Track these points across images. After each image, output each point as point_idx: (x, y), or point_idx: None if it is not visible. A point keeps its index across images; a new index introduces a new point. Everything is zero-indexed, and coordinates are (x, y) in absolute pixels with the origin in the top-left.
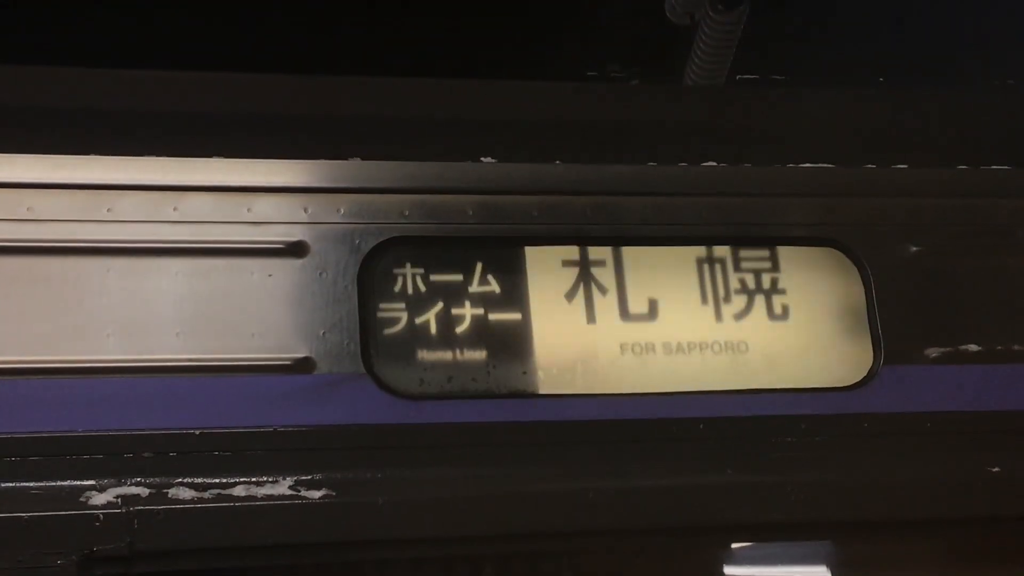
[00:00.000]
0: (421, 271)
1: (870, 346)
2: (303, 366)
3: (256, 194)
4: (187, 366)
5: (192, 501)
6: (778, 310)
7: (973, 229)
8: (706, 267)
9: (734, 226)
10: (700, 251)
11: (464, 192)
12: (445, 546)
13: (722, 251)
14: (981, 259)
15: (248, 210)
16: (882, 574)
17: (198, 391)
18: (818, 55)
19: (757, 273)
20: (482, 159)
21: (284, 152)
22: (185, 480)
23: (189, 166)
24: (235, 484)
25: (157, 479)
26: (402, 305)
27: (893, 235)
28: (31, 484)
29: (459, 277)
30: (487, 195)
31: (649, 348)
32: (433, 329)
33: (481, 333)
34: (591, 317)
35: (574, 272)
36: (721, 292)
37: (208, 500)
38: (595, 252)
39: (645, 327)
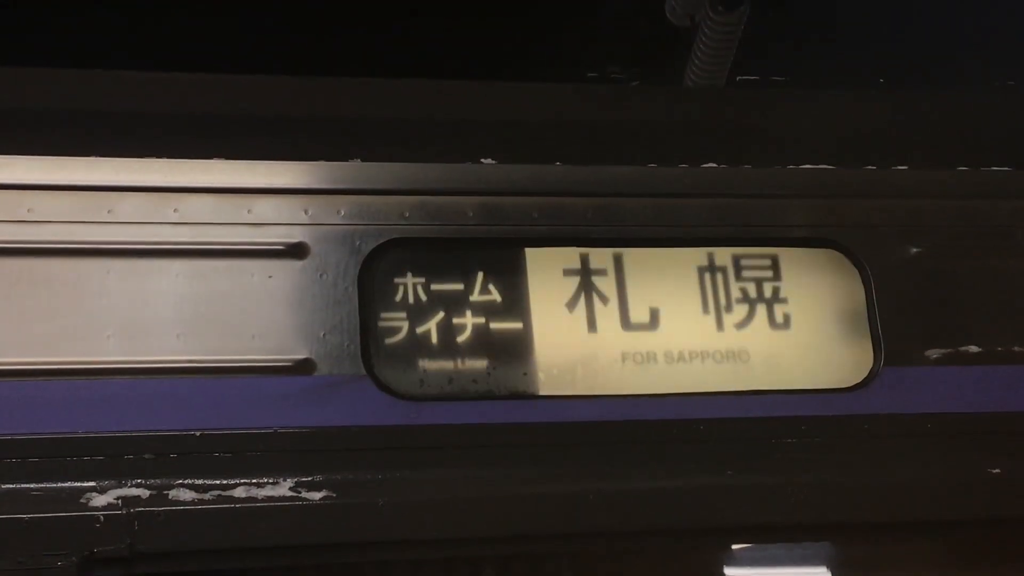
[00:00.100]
0: (421, 273)
1: (870, 347)
2: (303, 367)
3: (256, 195)
4: (187, 367)
5: (192, 502)
6: (778, 311)
7: (973, 230)
8: (707, 271)
9: (734, 227)
10: (701, 254)
11: (465, 193)
12: (445, 547)
13: (723, 252)
14: (981, 260)
15: (248, 211)
16: (882, 575)
17: (198, 392)
18: (818, 56)
19: (757, 274)
20: (482, 160)
21: (284, 153)
22: (185, 481)
23: (189, 167)
24: (235, 485)
25: (158, 480)
26: (402, 307)
27: (893, 236)
28: (31, 485)
29: (460, 279)
30: (488, 196)
31: (650, 354)
32: (433, 331)
33: (481, 335)
34: (591, 317)
35: (576, 272)
36: (722, 295)
37: (208, 501)
38: (596, 260)
39: (645, 327)
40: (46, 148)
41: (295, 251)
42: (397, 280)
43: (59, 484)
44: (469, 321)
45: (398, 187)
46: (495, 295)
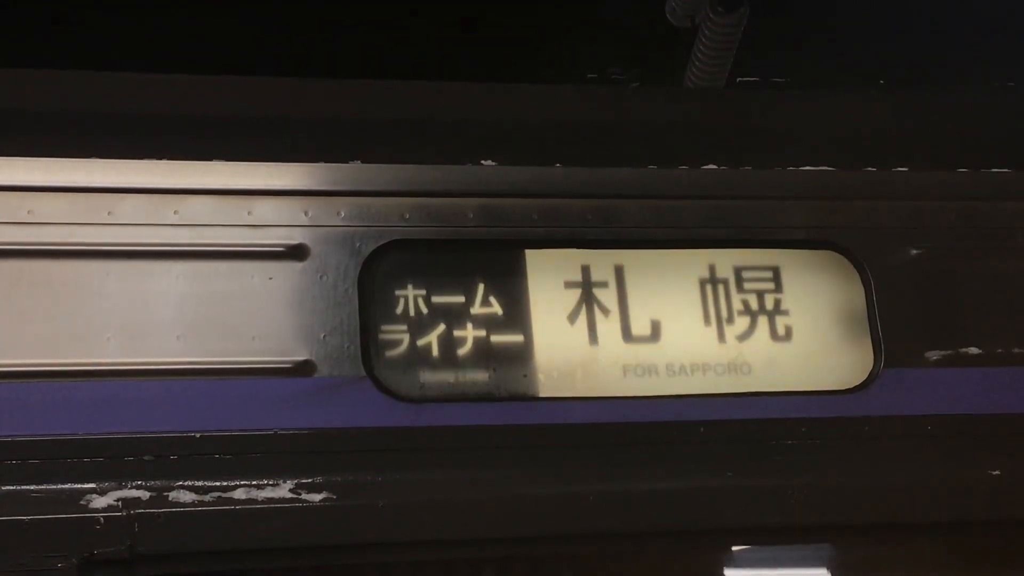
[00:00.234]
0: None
1: (870, 349)
2: (304, 369)
3: (256, 197)
4: (187, 369)
5: (193, 504)
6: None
7: (973, 232)
8: (708, 273)
9: (734, 229)
10: (703, 260)
11: (465, 195)
12: (445, 549)
13: (723, 253)
14: (982, 262)
15: (248, 213)
16: None
17: (198, 394)
18: (818, 57)
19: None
20: (483, 162)
21: (284, 155)
22: (186, 483)
23: (190, 169)
24: (236, 487)
25: (158, 482)
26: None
27: (893, 238)
28: (32, 487)
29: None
30: (488, 198)
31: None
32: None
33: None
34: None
35: (576, 274)
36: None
37: (209, 503)
38: (598, 273)
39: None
40: (46, 149)
41: (295, 253)
42: (397, 282)
43: (59, 486)
44: (469, 324)
45: (398, 189)
46: (496, 298)
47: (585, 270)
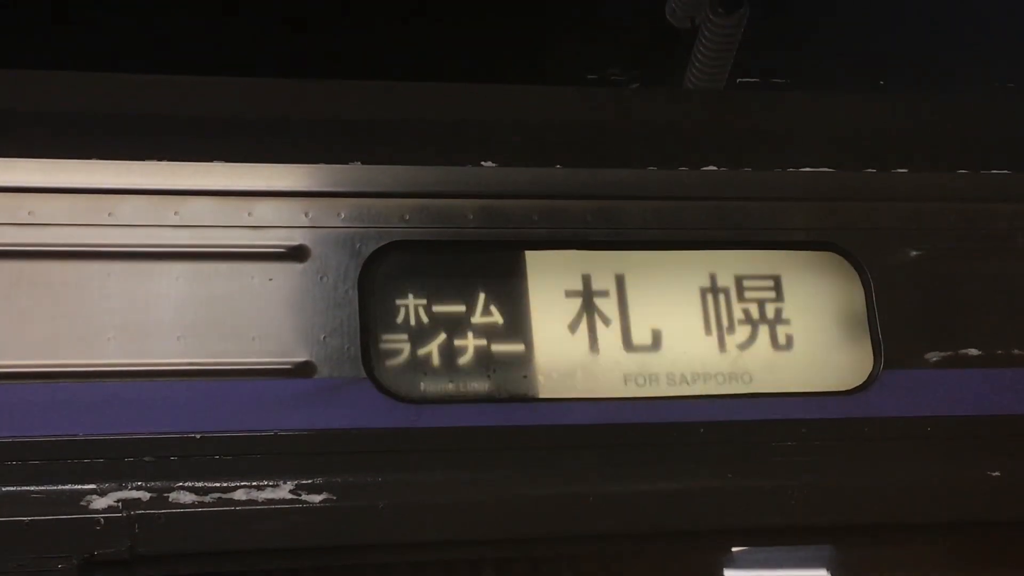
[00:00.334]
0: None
1: (870, 350)
2: (304, 370)
3: (257, 198)
4: (188, 370)
5: (193, 505)
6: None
7: (973, 233)
8: (708, 282)
9: (734, 230)
10: (703, 260)
11: (465, 196)
12: (445, 550)
13: (724, 259)
14: (981, 263)
15: (249, 214)
16: None
17: (199, 395)
18: (818, 58)
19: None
20: (483, 163)
21: (285, 156)
22: (186, 484)
23: (190, 170)
24: (236, 488)
25: (158, 483)
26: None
27: (893, 239)
28: (32, 488)
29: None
30: (488, 199)
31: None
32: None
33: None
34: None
35: (576, 277)
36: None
37: (209, 504)
38: (599, 282)
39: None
40: (47, 151)
41: (295, 254)
42: (397, 283)
43: (60, 487)
44: (469, 325)
45: (398, 190)
46: (496, 300)
47: (586, 278)
